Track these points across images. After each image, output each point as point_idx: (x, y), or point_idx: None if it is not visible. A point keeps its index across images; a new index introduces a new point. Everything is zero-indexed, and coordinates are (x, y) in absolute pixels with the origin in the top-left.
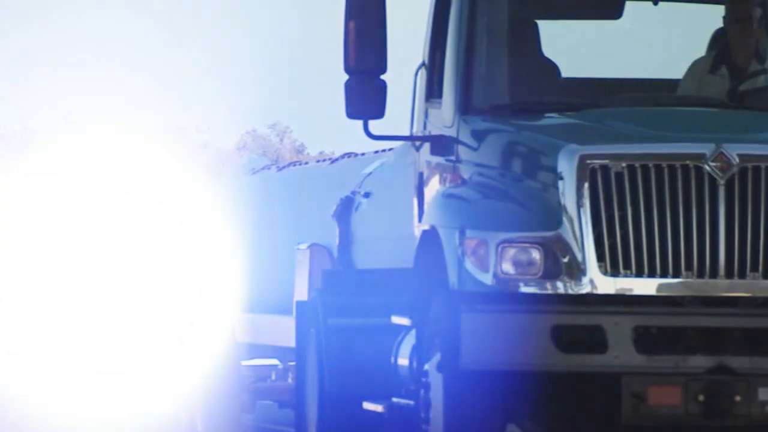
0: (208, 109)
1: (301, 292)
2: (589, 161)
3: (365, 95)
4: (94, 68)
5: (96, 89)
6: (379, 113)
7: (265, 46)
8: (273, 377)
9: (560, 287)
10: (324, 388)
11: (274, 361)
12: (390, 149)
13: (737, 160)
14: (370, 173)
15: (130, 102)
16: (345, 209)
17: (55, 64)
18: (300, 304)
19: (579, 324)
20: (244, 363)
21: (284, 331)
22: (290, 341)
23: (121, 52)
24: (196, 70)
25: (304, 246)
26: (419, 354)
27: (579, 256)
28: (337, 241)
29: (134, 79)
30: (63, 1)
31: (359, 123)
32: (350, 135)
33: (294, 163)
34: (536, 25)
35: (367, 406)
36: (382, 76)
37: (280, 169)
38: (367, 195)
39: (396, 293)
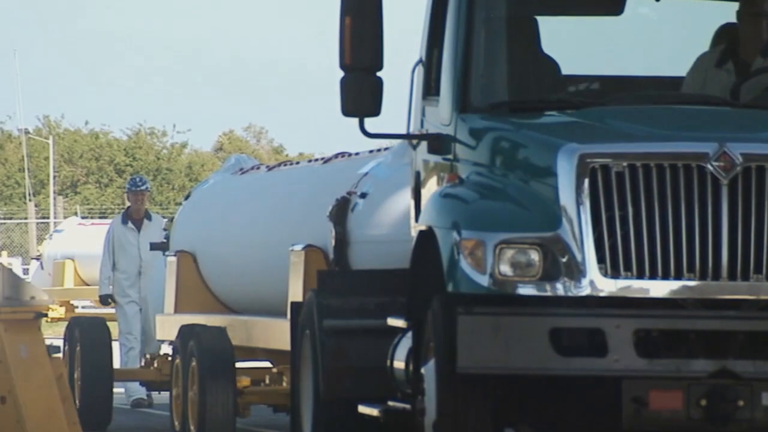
0: (185, 110)
1: (296, 293)
2: (589, 160)
3: (361, 93)
4: (76, 69)
5: (77, 90)
6: (375, 111)
7: (240, 48)
8: (267, 381)
9: (559, 289)
10: (319, 392)
11: (267, 365)
12: (386, 149)
13: (741, 159)
14: (367, 173)
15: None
16: (341, 210)
17: (36, 62)
18: (295, 306)
19: (578, 327)
20: (238, 366)
21: (279, 334)
22: (285, 344)
23: (102, 52)
24: (174, 70)
25: (299, 247)
26: (415, 357)
27: (579, 258)
28: (333, 242)
29: (114, 81)
30: (49, 2)
31: (339, 122)
32: (329, 135)
33: (285, 163)
34: (536, 21)
35: (363, 410)
36: (378, 73)
37: (269, 168)
38: (363, 195)
39: (392, 294)
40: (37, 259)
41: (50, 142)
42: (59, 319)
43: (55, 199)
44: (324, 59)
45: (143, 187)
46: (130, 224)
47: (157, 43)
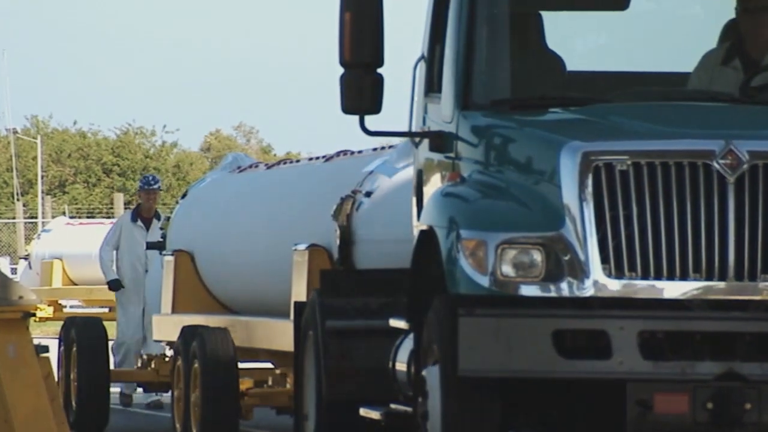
0: (174, 110)
1: (300, 293)
2: (592, 158)
3: (361, 90)
4: (64, 69)
5: (66, 90)
6: (376, 108)
7: (230, 47)
8: (270, 382)
9: (562, 290)
10: (321, 394)
11: (269, 366)
12: (390, 146)
13: (747, 157)
14: (372, 171)
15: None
16: (346, 209)
17: (25, 62)
18: (298, 306)
19: (582, 328)
20: (241, 367)
21: (281, 335)
22: (287, 345)
23: (91, 52)
24: (163, 70)
25: (302, 247)
26: (417, 359)
27: (582, 258)
28: (337, 241)
29: (103, 80)
30: (38, 2)
31: (328, 122)
32: (319, 135)
33: (284, 161)
34: (540, 16)
35: (364, 413)
36: (379, 70)
37: (268, 167)
38: (369, 194)
39: (396, 295)
40: (25, 258)
41: (38, 141)
42: (47, 319)
43: (43, 198)
44: (315, 59)
45: (155, 186)
46: (139, 222)
47: (146, 43)
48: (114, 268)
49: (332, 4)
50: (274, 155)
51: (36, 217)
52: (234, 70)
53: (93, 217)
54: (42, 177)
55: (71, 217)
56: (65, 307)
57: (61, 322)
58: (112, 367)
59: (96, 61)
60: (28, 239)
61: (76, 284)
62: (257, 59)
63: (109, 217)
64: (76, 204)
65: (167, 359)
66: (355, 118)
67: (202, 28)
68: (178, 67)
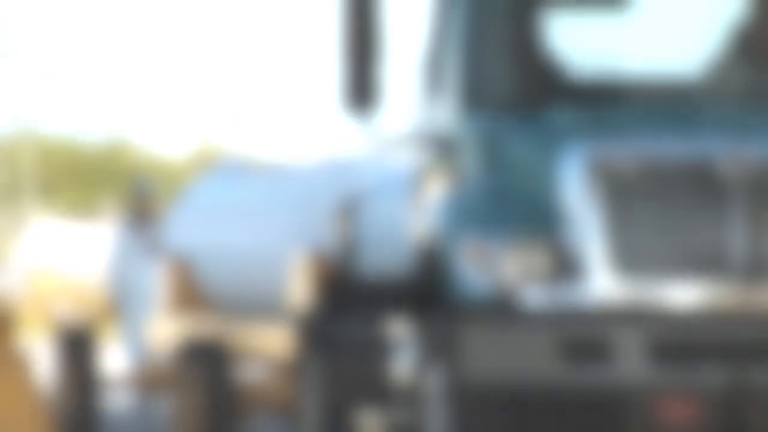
0: (162, 115)
1: (299, 299)
2: (598, 161)
3: (361, 89)
4: (54, 72)
5: (55, 95)
6: (376, 108)
7: (220, 52)
8: (269, 388)
9: (567, 295)
10: (321, 400)
11: (267, 371)
12: (392, 147)
13: (756, 160)
14: (372, 174)
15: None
16: (346, 212)
17: (12, 66)
18: (297, 312)
19: (587, 335)
20: (239, 373)
21: (280, 340)
22: (286, 350)
23: (81, 56)
24: (151, 75)
25: (301, 252)
26: (418, 367)
27: (588, 262)
28: (338, 246)
29: (91, 85)
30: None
31: (319, 126)
32: (308, 139)
33: (281, 164)
34: (544, 15)
35: (364, 421)
36: (380, 69)
37: (266, 170)
38: (371, 195)
39: (398, 301)
40: (12, 263)
41: (26, 146)
42: (34, 324)
43: (30, 204)
44: (306, 63)
45: (149, 192)
46: (136, 226)
47: (136, 48)
48: (114, 278)
49: (324, 7)
50: (264, 160)
51: (23, 222)
52: (222, 75)
53: (81, 222)
54: (30, 182)
55: (59, 223)
56: (53, 312)
57: (48, 327)
58: (118, 365)
59: (86, 66)
60: (15, 244)
61: (63, 288)
62: (246, 65)
63: (97, 223)
64: (65, 209)
65: (164, 361)
66: (354, 117)
67: (193, 31)
68: (167, 72)
